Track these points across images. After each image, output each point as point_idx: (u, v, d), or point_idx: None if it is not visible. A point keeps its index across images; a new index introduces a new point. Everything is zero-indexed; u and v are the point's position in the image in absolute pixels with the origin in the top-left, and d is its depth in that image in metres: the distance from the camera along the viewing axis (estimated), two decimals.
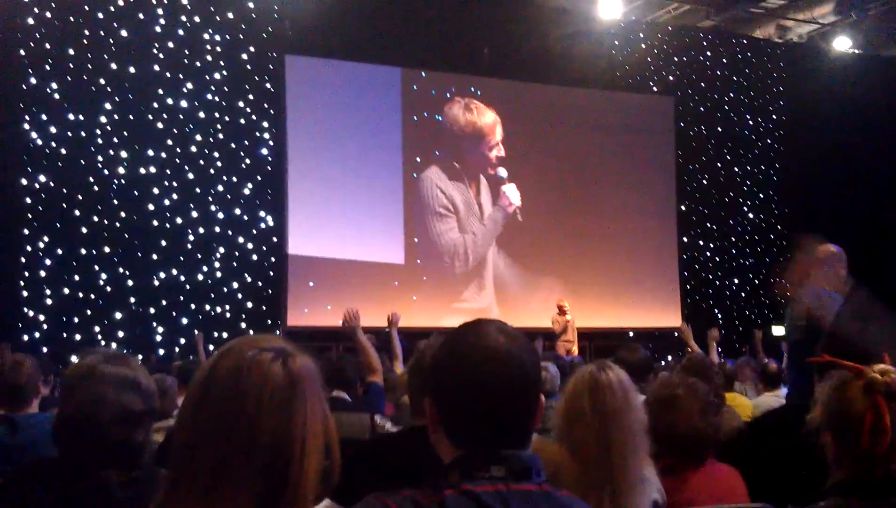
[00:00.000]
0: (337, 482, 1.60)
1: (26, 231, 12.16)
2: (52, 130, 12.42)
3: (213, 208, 13.35)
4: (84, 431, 2.28)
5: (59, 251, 12.30)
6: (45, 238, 12.25)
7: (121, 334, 12.51)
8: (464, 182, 15.07)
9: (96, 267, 12.50)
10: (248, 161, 13.72)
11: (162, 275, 12.88)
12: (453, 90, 15.40)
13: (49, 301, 12.17)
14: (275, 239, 13.86)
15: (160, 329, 12.71)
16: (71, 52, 12.59)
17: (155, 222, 12.93)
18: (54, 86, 12.50)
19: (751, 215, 17.78)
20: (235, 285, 13.38)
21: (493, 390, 1.61)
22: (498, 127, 15.34)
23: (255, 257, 13.62)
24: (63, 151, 12.44)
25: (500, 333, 1.67)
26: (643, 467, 2.79)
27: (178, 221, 13.07)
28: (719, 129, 17.52)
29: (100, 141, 12.68)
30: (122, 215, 12.73)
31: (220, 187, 13.44)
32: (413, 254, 14.75)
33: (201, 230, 13.23)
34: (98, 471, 2.24)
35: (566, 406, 2.88)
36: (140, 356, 11.27)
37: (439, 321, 13.29)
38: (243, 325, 13.04)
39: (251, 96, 13.81)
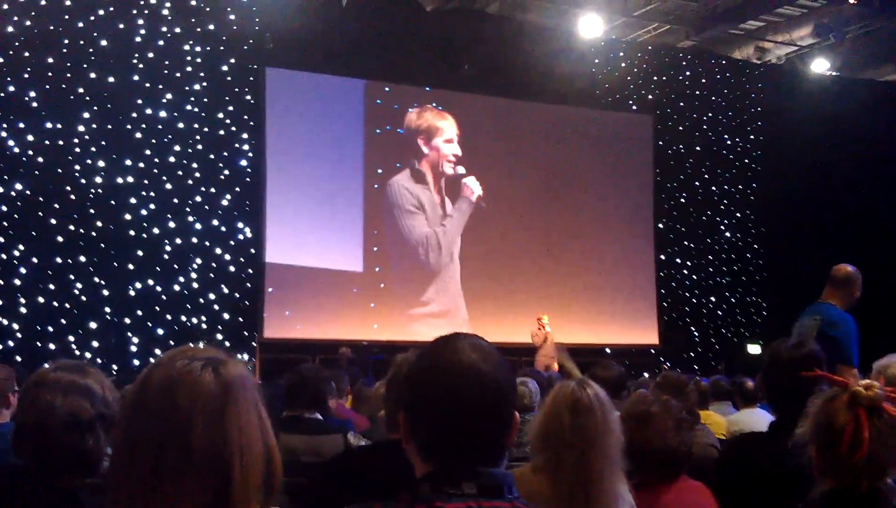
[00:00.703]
0: (279, 488, 1.60)
1: (1, 239, 12.06)
2: (30, 137, 12.34)
3: (190, 218, 13.29)
4: (36, 438, 2.28)
5: (35, 260, 12.20)
6: (21, 246, 12.15)
7: (95, 344, 12.41)
8: (427, 184, 15.10)
9: (71, 276, 12.41)
10: (226, 172, 13.68)
11: (138, 285, 12.80)
12: (433, 105, 15.43)
13: (23, 310, 12.06)
14: (252, 250, 13.82)
15: (135, 340, 12.61)
16: (50, 60, 12.53)
17: (132, 232, 12.85)
18: (32, 94, 12.43)
19: (728, 234, 17.88)
20: (212, 296, 13.32)
21: (464, 407, 1.60)
22: (453, 126, 15.36)
23: (232, 269, 13.56)
24: (40, 159, 12.36)
25: (473, 349, 1.65)
26: (617, 484, 2.79)
27: (155, 231, 13.01)
28: (698, 148, 17.61)
29: (77, 150, 12.61)
30: (99, 224, 12.65)
31: (198, 198, 13.39)
32: (372, 261, 14.77)
33: (178, 241, 13.16)
34: (54, 478, 2.23)
35: (544, 423, 2.86)
36: (115, 367, 11.25)
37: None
38: (219, 336, 12.98)
39: (231, 108, 13.79)
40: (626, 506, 2.81)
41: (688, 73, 17.77)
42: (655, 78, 17.35)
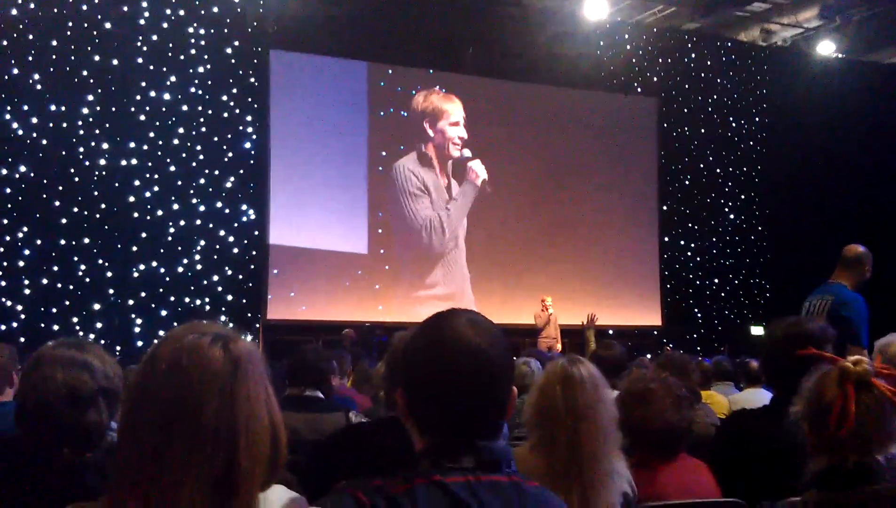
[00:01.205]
0: (284, 464, 1.61)
1: (5, 221, 12.10)
2: (34, 120, 12.35)
3: (194, 200, 13.30)
4: (36, 413, 2.29)
5: (39, 242, 12.24)
6: (25, 228, 12.18)
7: (99, 325, 12.45)
8: (432, 167, 15.10)
9: (75, 258, 12.44)
10: (230, 155, 13.67)
11: (142, 267, 12.83)
12: (438, 88, 15.41)
13: (27, 292, 12.11)
14: (256, 233, 13.83)
15: (139, 321, 12.65)
16: (54, 43, 12.52)
17: (135, 214, 12.87)
18: (36, 77, 12.43)
19: (732, 216, 17.84)
20: (216, 277, 13.33)
21: (460, 382, 1.61)
22: (459, 109, 15.36)
23: (235, 251, 13.57)
24: (44, 141, 12.38)
25: (469, 325, 1.66)
26: (613, 460, 2.81)
27: (159, 213, 13.03)
28: (702, 130, 17.58)
29: (81, 132, 12.62)
30: (103, 206, 12.67)
31: (202, 180, 13.39)
32: (376, 243, 14.80)
33: (182, 223, 13.18)
34: (55, 452, 2.24)
35: (537, 400, 2.89)
36: (118, 348, 11.28)
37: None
38: (223, 318, 13.00)
39: (235, 90, 13.77)
40: (623, 481, 2.83)
41: (693, 55, 17.71)
42: (660, 60, 17.29)
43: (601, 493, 2.71)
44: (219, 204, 13.49)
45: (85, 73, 12.69)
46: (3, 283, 12.03)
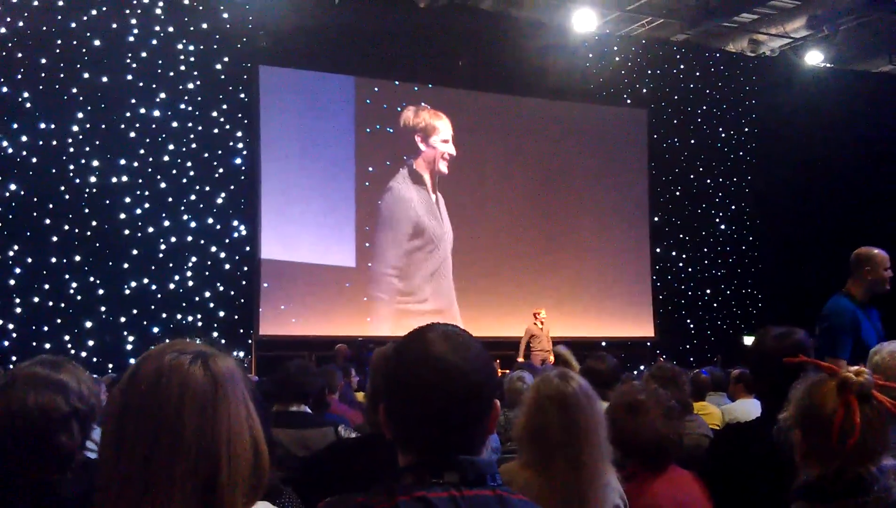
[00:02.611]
0: (267, 482, 1.60)
1: None
2: (24, 138, 12.35)
3: (185, 216, 13.30)
4: (7, 434, 2.25)
5: (29, 260, 12.22)
6: (15, 246, 12.17)
7: (91, 342, 12.43)
8: (423, 184, 15.13)
9: (67, 276, 12.43)
10: (221, 170, 13.67)
11: (133, 284, 12.82)
12: (423, 104, 15.43)
13: (18, 310, 12.09)
14: (247, 248, 13.83)
15: (131, 338, 12.63)
16: (43, 60, 12.53)
17: (126, 231, 12.87)
18: (26, 94, 12.43)
19: (723, 226, 17.89)
20: (207, 293, 13.34)
21: (433, 399, 1.60)
22: (448, 127, 15.37)
23: (227, 267, 13.57)
24: (34, 159, 12.37)
25: (445, 340, 1.65)
26: (606, 473, 2.80)
27: (150, 229, 13.02)
28: (692, 141, 17.63)
29: (71, 150, 12.62)
30: (94, 223, 12.67)
31: (193, 197, 13.39)
32: (364, 257, 14.78)
33: (173, 239, 13.18)
34: (26, 474, 2.22)
35: (529, 417, 2.86)
36: (111, 366, 11.24)
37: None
38: (215, 334, 12.98)
39: (225, 106, 13.79)
40: (615, 494, 2.82)
41: (682, 66, 17.78)
42: (649, 72, 17.36)
43: (597, 506, 2.70)
44: (210, 220, 13.49)
45: (74, 90, 12.69)
46: None
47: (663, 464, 3.14)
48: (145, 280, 12.91)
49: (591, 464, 2.73)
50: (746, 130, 18.24)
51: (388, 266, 14.85)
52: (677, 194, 17.51)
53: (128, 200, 12.93)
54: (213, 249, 13.47)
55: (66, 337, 12.29)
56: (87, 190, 12.69)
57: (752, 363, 3.48)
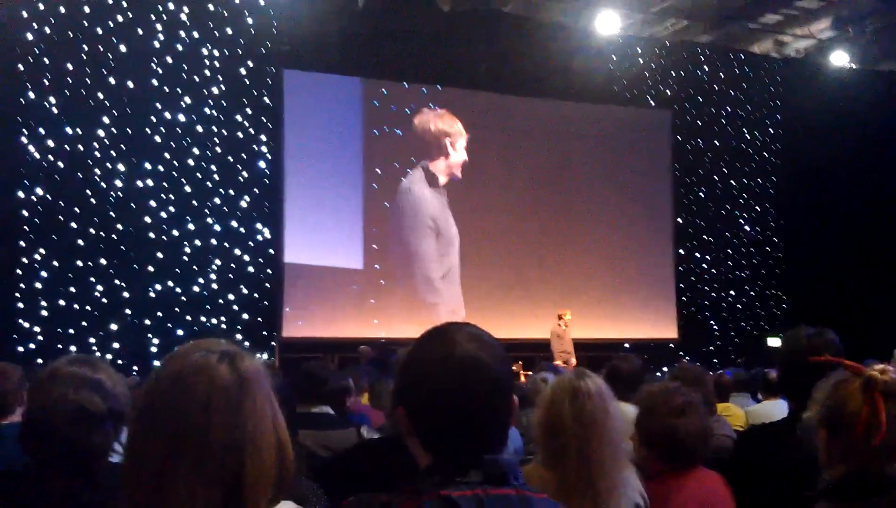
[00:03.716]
0: (292, 481, 1.61)
1: (23, 243, 12.16)
2: (50, 143, 12.45)
3: (209, 220, 13.37)
4: (43, 432, 2.26)
5: (56, 263, 12.29)
6: (42, 250, 12.25)
7: (116, 345, 12.49)
8: (438, 187, 15.15)
9: (92, 279, 12.50)
10: (245, 174, 13.74)
11: (158, 287, 12.89)
12: (434, 106, 15.43)
13: (45, 313, 12.16)
14: (271, 251, 13.88)
15: (156, 341, 12.69)
16: (69, 66, 12.61)
17: (151, 235, 12.94)
18: (52, 100, 12.52)
19: (747, 228, 17.80)
20: (231, 296, 13.40)
21: (463, 399, 1.59)
22: (462, 133, 15.34)
23: (251, 269, 13.63)
24: (60, 164, 12.46)
25: (469, 339, 1.64)
26: (624, 471, 2.80)
27: (175, 233, 13.10)
28: (716, 142, 17.56)
29: (97, 154, 12.70)
30: (119, 227, 12.75)
31: (217, 200, 13.46)
32: (371, 259, 14.80)
33: (198, 242, 13.25)
34: (58, 475, 2.22)
35: (545, 415, 2.89)
36: (136, 368, 11.30)
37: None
38: (239, 337, 13.01)
39: (249, 110, 13.85)
40: (634, 492, 2.82)
41: (706, 68, 17.71)
42: (673, 74, 17.31)
43: (611, 504, 2.70)
44: (234, 223, 13.56)
45: (100, 95, 12.78)
46: (21, 305, 12.08)
47: (693, 464, 3.14)
48: (170, 283, 12.98)
49: (604, 459, 2.74)
50: (771, 131, 18.14)
51: (394, 267, 14.85)
52: (701, 195, 17.44)
53: (153, 203, 13.00)
54: (237, 252, 13.54)
55: (92, 340, 12.36)
56: (113, 194, 12.77)
57: (782, 362, 3.45)
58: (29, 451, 2.32)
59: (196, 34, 13.52)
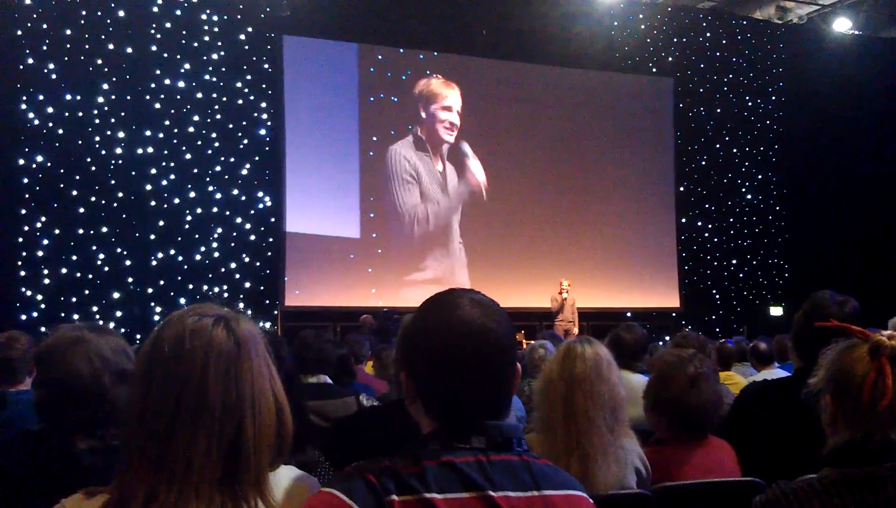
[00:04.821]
0: (291, 444, 1.61)
1: (24, 211, 12.16)
2: (50, 110, 12.40)
3: (210, 188, 13.35)
4: (58, 396, 2.27)
5: (57, 231, 12.30)
6: (43, 218, 12.24)
7: (118, 313, 12.53)
8: (426, 151, 15.03)
9: (94, 247, 12.51)
10: (245, 141, 13.70)
11: (160, 255, 12.90)
12: (437, 75, 15.34)
13: (47, 281, 12.18)
14: (273, 219, 13.86)
15: (158, 309, 12.71)
16: (68, 32, 12.54)
17: (153, 203, 12.93)
18: (51, 66, 12.46)
19: (749, 196, 17.77)
20: (233, 265, 13.40)
21: (467, 363, 1.59)
22: (456, 95, 15.27)
23: (253, 238, 13.63)
24: (60, 131, 12.43)
25: (473, 305, 1.64)
26: (619, 436, 2.81)
27: (176, 201, 13.09)
28: (718, 110, 17.49)
29: (97, 121, 12.66)
30: (120, 195, 12.73)
31: (218, 168, 13.44)
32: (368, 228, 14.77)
33: (199, 211, 13.24)
34: (71, 439, 2.22)
35: (541, 376, 2.94)
36: (138, 336, 11.33)
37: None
38: (241, 305, 13.03)
39: (249, 77, 13.79)
40: (633, 457, 2.83)
41: (708, 34, 17.61)
42: (675, 40, 17.20)
43: (601, 465, 2.72)
44: (235, 191, 13.54)
45: (99, 61, 12.72)
46: (23, 273, 12.10)
47: (705, 433, 3.17)
48: (172, 251, 12.99)
49: (586, 414, 2.76)
50: (773, 98, 18.07)
51: (389, 237, 14.82)
52: (703, 163, 17.39)
53: (154, 171, 12.98)
54: (239, 220, 13.52)
55: (94, 308, 12.39)
56: (113, 161, 12.75)
57: (803, 322, 3.40)
58: (46, 416, 2.32)
59: None
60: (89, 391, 2.25)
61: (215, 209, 13.38)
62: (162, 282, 12.86)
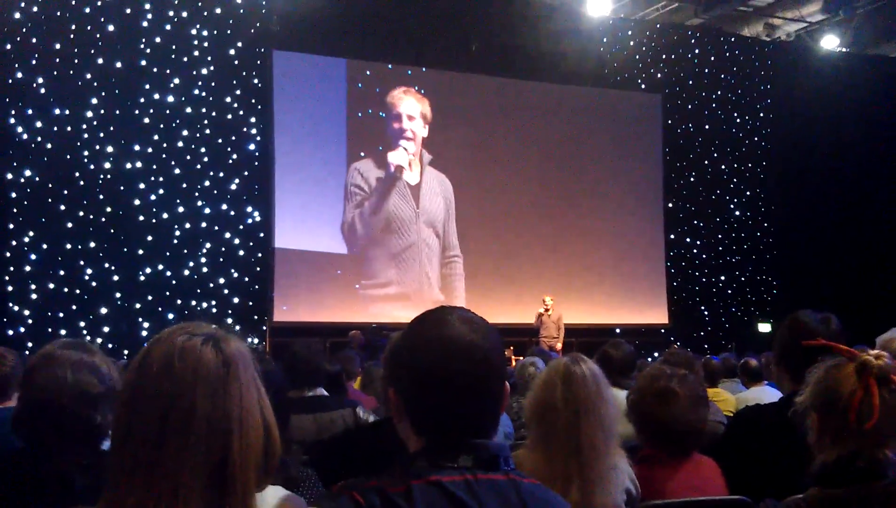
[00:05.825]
0: (278, 465, 1.61)
1: (11, 226, 12.12)
2: (38, 124, 12.38)
3: (199, 203, 13.32)
4: (44, 413, 2.26)
5: (45, 246, 12.25)
6: (31, 233, 12.21)
7: (106, 329, 12.48)
8: (388, 165, 14.89)
9: (81, 262, 12.47)
10: (235, 156, 13.68)
11: (148, 270, 12.86)
12: (416, 88, 15.33)
13: (34, 296, 12.13)
14: (261, 234, 13.84)
15: (146, 325, 12.66)
16: (57, 46, 12.53)
17: (141, 217, 12.90)
18: (40, 80, 12.45)
19: (737, 212, 17.82)
20: (222, 280, 13.37)
21: (455, 381, 1.59)
22: (414, 105, 15.12)
23: (241, 253, 13.59)
24: (49, 145, 12.40)
25: (462, 322, 1.64)
26: (614, 456, 2.80)
27: (164, 216, 13.05)
28: (706, 126, 17.55)
29: (86, 136, 12.64)
30: (108, 209, 12.70)
31: (207, 183, 13.41)
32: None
33: (188, 225, 13.20)
34: (56, 458, 2.21)
35: (537, 398, 2.89)
36: (126, 352, 11.28)
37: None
38: (230, 321, 13.00)
39: (238, 91, 13.78)
40: (624, 478, 2.82)
41: (696, 51, 17.69)
42: (664, 56, 17.27)
43: (602, 488, 2.71)
44: (224, 206, 13.51)
45: (88, 76, 12.71)
46: (10, 288, 12.05)
47: (688, 451, 3.15)
48: (160, 266, 12.94)
49: (597, 445, 2.74)
50: (761, 115, 18.14)
51: (353, 249, 14.68)
52: (692, 179, 17.44)
53: (142, 186, 12.95)
54: (227, 235, 13.50)
55: (82, 323, 12.34)
56: (102, 176, 12.72)
57: (784, 344, 3.39)
58: (23, 434, 2.31)
59: (185, 14, 13.44)
60: (68, 411, 2.24)
61: (204, 224, 13.34)
62: (150, 297, 12.81)
